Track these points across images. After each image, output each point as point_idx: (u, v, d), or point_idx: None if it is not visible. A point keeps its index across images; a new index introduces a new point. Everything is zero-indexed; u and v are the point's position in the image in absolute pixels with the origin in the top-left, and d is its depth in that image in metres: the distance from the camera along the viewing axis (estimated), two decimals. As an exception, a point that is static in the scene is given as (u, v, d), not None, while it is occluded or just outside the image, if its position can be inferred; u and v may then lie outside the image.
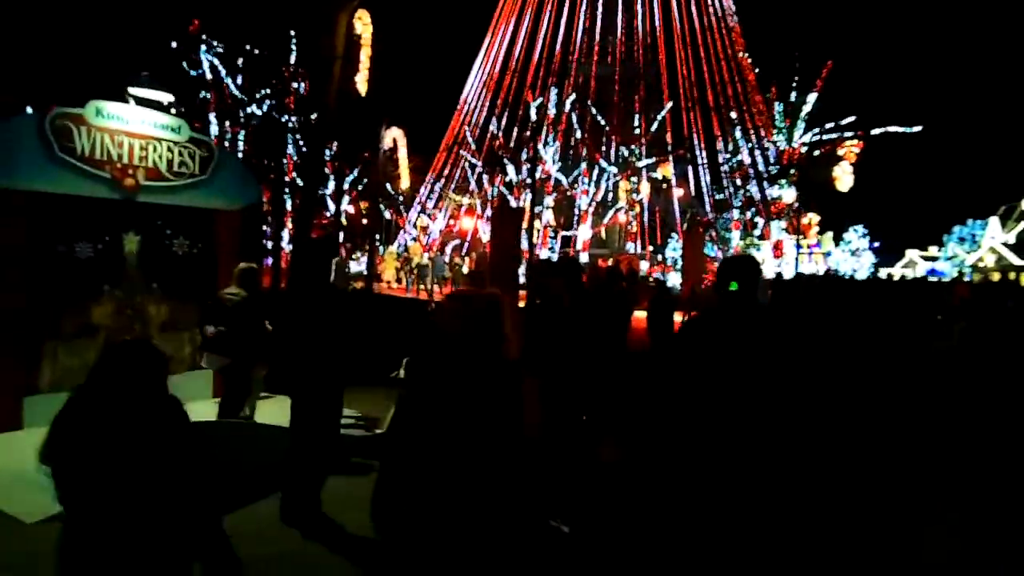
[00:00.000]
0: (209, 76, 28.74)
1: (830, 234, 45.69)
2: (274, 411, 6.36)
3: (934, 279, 35.95)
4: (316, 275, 4.59)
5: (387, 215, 38.81)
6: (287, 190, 27.20)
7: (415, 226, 43.66)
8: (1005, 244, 41.58)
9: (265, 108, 28.32)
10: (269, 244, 25.77)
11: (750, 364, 3.37)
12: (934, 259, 56.13)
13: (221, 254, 7.54)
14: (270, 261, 22.31)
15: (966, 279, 37.16)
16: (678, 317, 16.21)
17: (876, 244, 52.12)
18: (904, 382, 7.19)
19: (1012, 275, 34.91)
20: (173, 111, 8.26)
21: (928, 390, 7.06)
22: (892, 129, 28.21)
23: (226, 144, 27.74)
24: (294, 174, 28.04)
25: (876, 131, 28.38)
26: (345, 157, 30.09)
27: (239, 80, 28.00)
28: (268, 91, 27.70)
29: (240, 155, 28.76)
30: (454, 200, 39.78)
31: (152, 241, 6.99)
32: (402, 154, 28.48)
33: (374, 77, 18.90)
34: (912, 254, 58.80)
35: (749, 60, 42.67)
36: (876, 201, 72.21)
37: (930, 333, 9.48)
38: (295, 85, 26.64)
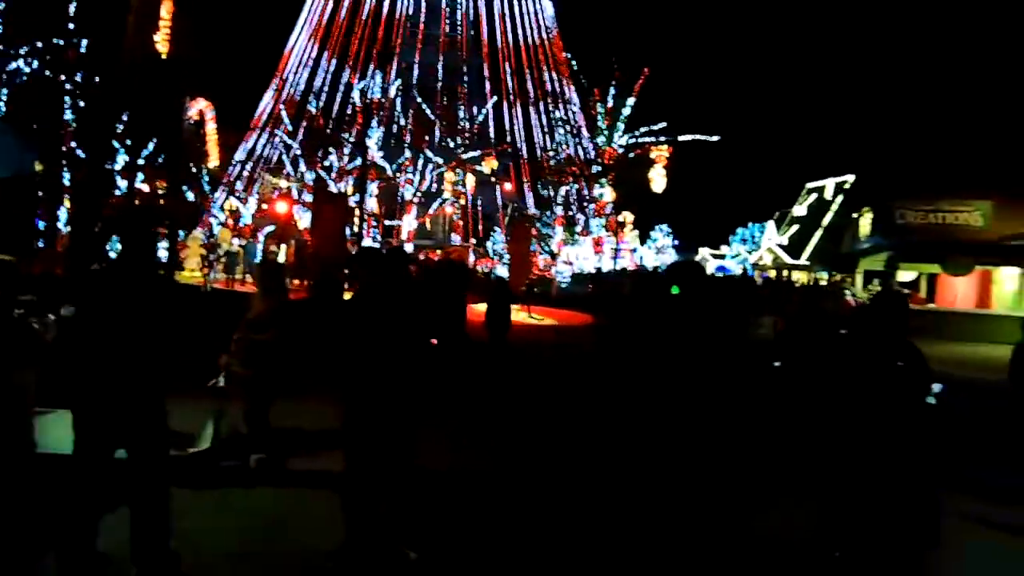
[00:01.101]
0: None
1: (636, 232, 49.21)
2: (57, 430, 5.05)
3: (721, 275, 40.06)
4: (140, 256, 3.59)
5: (190, 196, 35.00)
6: (64, 162, 23.30)
7: (223, 209, 39.92)
8: (779, 245, 47.38)
9: (35, 65, 24.01)
10: (41, 224, 21.92)
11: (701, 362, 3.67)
12: (722, 257, 62.83)
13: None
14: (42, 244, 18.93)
15: (749, 275, 41.91)
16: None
17: (676, 242, 57.33)
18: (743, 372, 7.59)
19: (785, 272, 39.93)
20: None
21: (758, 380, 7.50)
22: (696, 137, 30.91)
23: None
24: (73, 144, 24.12)
25: (684, 137, 30.93)
26: (139, 128, 26.51)
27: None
28: (38, 44, 23.49)
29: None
30: (270, 183, 36.89)
31: None
32: (210, 128, 25.63)
33: (177, 37, 16.58)
34: (704, 252, 65.30)
35: (571, 61, 44.47)
36: (677, 202, 79.27)
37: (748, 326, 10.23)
38: (74, 40, 22.84)
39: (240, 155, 45.41)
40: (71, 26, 23.07)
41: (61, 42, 22.71)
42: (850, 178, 38.07)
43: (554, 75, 51.83)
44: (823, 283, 22.96)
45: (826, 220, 37.95)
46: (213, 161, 27.36)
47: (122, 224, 3.79)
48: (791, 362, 8.68)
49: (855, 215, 29.06)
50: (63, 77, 22.99)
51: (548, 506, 4.96)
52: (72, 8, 22.15)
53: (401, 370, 3.64)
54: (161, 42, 16.51)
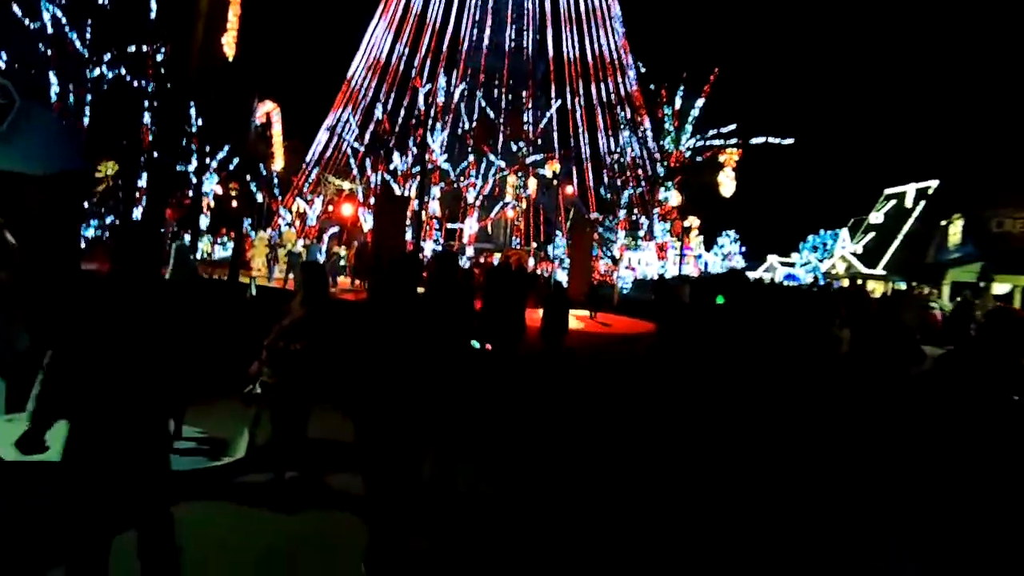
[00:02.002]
0: (50, 30, 25.08)
1: (701, 237, 47.82)
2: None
3: (791, 283, 38.37)
4: (132, 264, 3.32)
5: (259, 197, 36.03)
6: (142, 162, 24.27)
7: (291, 211, 40.98)
8: (854, 254, 45.23)
9: (120, 71, 25.18)
10: (117, 222, 22.92)
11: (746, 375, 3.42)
12: (792, 264, 60.49)
13: (28, 233, 5.90)
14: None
15: (820, 283, 40.06)
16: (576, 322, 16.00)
17: (744, 249, 55.57)
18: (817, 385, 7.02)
19: (859, 281, 37.96)
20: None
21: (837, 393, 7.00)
22: (768, 140, 29.60)
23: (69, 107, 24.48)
24: (152, 147, 25.12)
25: (755, 140, 29.67)
26: (212, 131, 27.38)
27: (86, 37, 24.64)
28: (120, 51, 24.59)
29: (86, 121, 25.44)
30: (333, 184, 37.55)
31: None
32: (276, 131, 26.19)
33: (244, 40, 16.91)
34: (772, 259, 63.04)
35: (638, 62, 43.59)
36: (745, 208, 76.94)
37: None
38: (154, 46, 23.80)
39: (307, 158, 46.56)
40: (151, 33, 24.09)
41: (133, 48, 23.72)
42: (933, 183, 35.97)
43: (620, 77, 51.02)
44: (915, 293, 21.30)
45: (906, 228, 35.96)
46: (278, 164, 27.93)
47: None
48: (869, 375, 8.05)
49: (943, 222, 27.14)
50: (142, 83, 23.99)
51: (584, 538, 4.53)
52: (152, 15, 23.05)
53: (412, 381, 3.27)
54: (228, 45, 16.81)
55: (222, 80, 18.87)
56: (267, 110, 24.16)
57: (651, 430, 7.00)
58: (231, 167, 35.59)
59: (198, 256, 19.18)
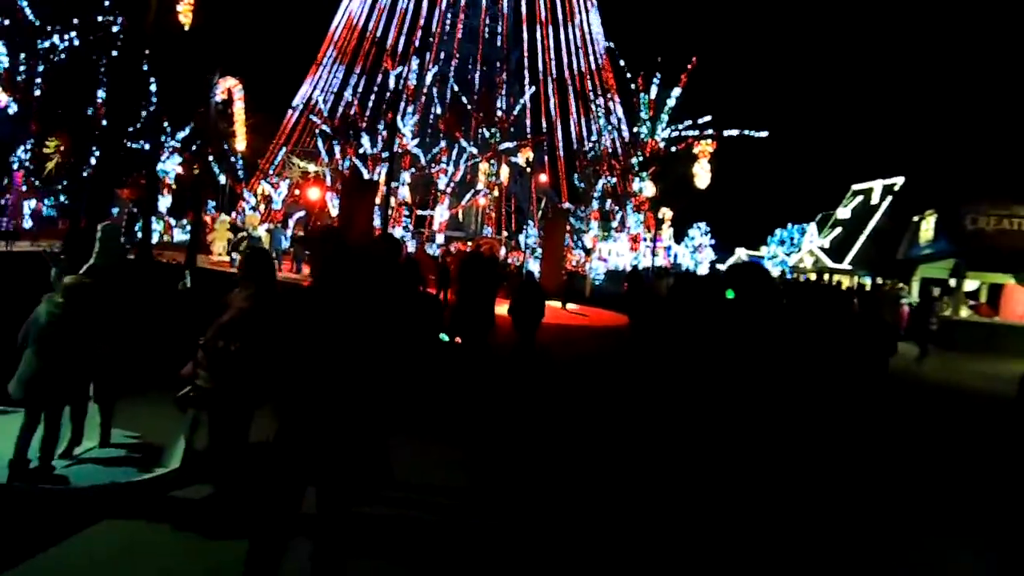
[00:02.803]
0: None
1: (671, 229, 47.88)
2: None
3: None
4: None
5: (222, 179, 34.78)
6: (96, 136, 23.08)
7: (256, 194, 39.73)
8: (821, 248, 45.70)
9: (75, 41, 23.88)
10: (66, 200, 21.79)
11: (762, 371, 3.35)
12: (760, 258, 61.02)
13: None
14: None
15: (788, 277, 40.34)
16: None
17: (713, 241, 55.91)
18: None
19: (826, 275, 38.34)
20: None
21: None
22: (742, 132, 29.49)
23: (19, 80, 23.18)
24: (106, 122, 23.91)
25: (730, 132, 29.52)
26: (170, 108, 26.20)
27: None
28: (75, 21, 23.30)
29: (37, 94, 24.15)
30: (299, 166, 36.41)
31: None
32: (238, 108, 25.04)
33: (202, 9, 15.96)
34: (740, 252, 63.54)
35: (615, 50, 43.11)
36: (715, 200, 77.34)
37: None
38: (111, 17, 22.60)
39: (279, 138, 45.23)
40: (107, 3, 22.87)
41: (98, 18, 22.57)
42: (899, 180, 36.41)
43: (595, 64, 50.59)
44: (887, 288, 21.29)
45: (872, 223, 36.37)
46: (240, 143, 26.76)
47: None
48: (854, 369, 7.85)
49: (916, 218, 27.29)
50: (97, 55, 22.78)
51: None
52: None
53: (349, 380, 2.79)
54: (184, 13, 15.87)
55: (179, 52, 17.92)
56: (228, 86, 23.09)
57: (629, 425, 6.67)
58: (194, 147, 34.29)
59: (154, 239, 18.29)
